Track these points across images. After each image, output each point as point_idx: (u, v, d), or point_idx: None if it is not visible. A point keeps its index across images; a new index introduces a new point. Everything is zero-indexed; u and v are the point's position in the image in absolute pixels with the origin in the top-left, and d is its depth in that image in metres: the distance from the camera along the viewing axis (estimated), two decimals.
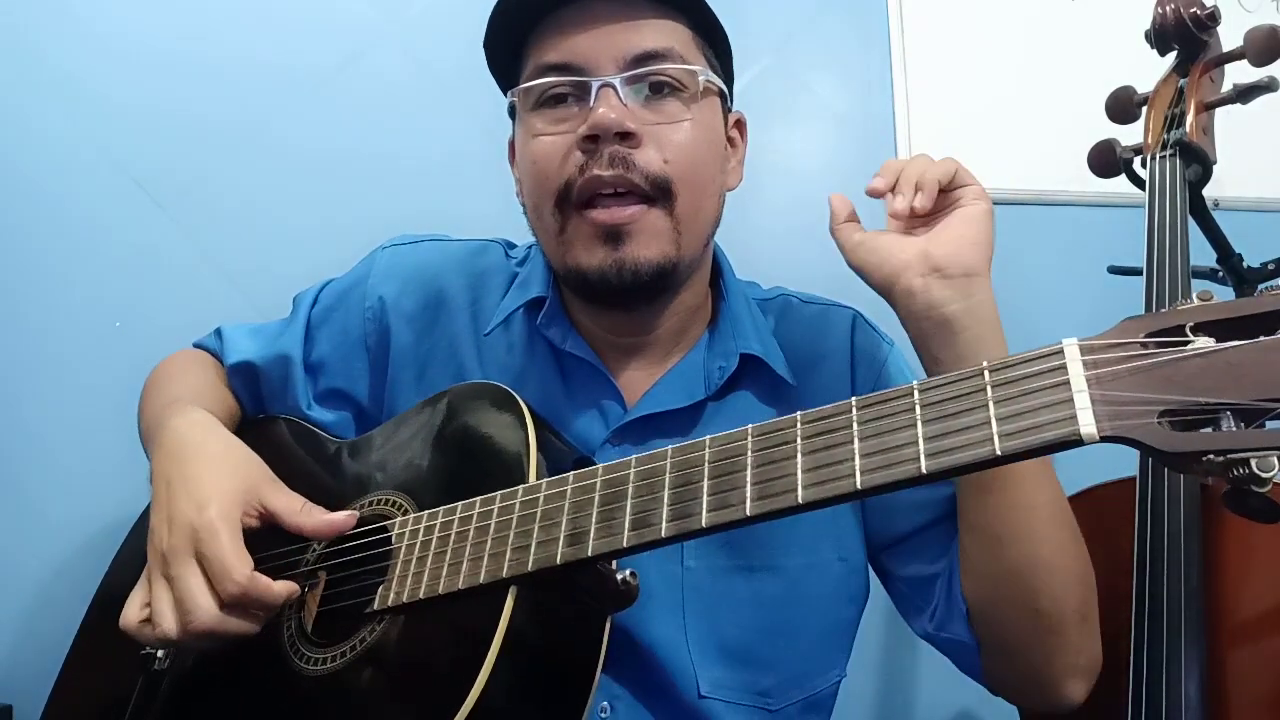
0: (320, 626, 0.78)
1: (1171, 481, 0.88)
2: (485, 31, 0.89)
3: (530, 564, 0.67)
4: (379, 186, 1.44)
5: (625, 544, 0.64)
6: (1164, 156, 1.08)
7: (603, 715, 0.84)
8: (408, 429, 0.87)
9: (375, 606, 0.74)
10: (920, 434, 0.57)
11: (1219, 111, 1.13)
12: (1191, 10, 1.13)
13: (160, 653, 0.84)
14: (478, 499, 0.74)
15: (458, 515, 0.74)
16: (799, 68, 1.66)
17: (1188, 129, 1.08)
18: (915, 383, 0.59)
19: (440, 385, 0.88)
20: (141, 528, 0.94)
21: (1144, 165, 1.10)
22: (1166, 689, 0.81)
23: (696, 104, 0.87)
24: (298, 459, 0.94)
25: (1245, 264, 1.14)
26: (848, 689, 0.94)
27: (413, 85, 1.48)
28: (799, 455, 0.60)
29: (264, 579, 0.74)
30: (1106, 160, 1.16)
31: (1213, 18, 1.13)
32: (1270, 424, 0.48)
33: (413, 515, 0.78)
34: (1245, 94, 1.10)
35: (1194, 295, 0.55)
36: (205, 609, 0.72)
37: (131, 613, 0.78)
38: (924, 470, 0.55)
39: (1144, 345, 0.53)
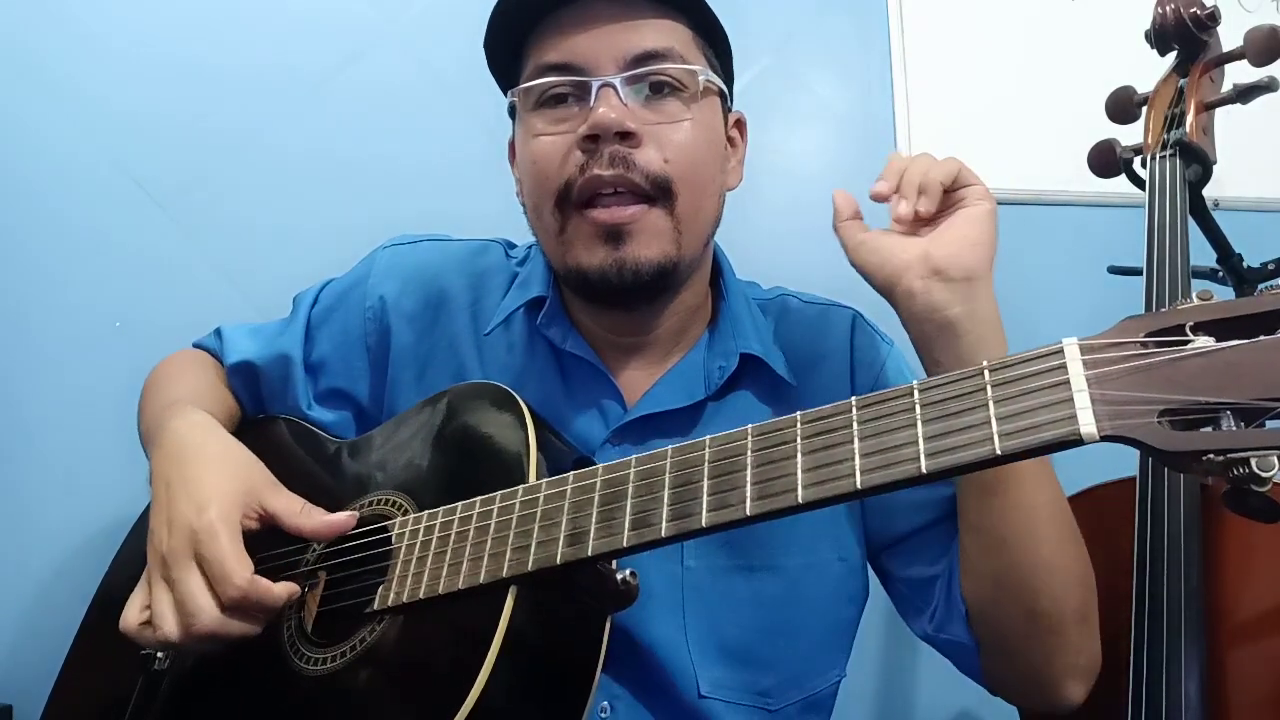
0: (320, 626, 0.78)
1: (1171, 481, 0.88)
2: (485, 32, 0.89)
3: (530, 564, 0.67)
4: (379, 186, 1.44)
5: (625, 544, 0.64)
6: (1164, 156, 1.08)
7: (603, 715, 0.84)
8: (408, 429, 0.87)
9: (375, 606, 0.74)
10: (920, 434, 0.57)
11: (1219, 111, 1.13)
12: (1191, 10, 1.13)
13: (160, 653, 0.84)
14: (478, 499, 0.74)
15: (458, 515, 0.74)
16: (799, 68, 1.66)
17: (1188, 129, 1.08)
18: (915, 382, 0.59)
19: (440, 385, 0.88)
20: (141, 528, 0.94)
21: (1144, 165, 1.10)
22: (1166, 689, 0.81)
23: (696, 104, 0.87)
24: (297, 459, 0.94)
25: (1245, 264, 1.14)
26: (847, 689, 0.94)
27: (413, 86, 1.48)
28: (799, 455, 0.60)
29: (264, 581, 0.74)
30: (1106, 160, 1.16)
31: (1213, 18, 1.13)
32: (1270, 423, 0.48)
33: (413, 515, 0.78)
34: (1245, 94, 1.10)
35: (1194, 295, 0.55)
36: (206, 612, 0.72)
37: (131, 615, 0.78)
38: (924, 470, 0.55)
39: (1144, 345, 0.53)
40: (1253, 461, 0.47)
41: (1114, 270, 1.21)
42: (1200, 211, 1.08)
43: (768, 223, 1.56)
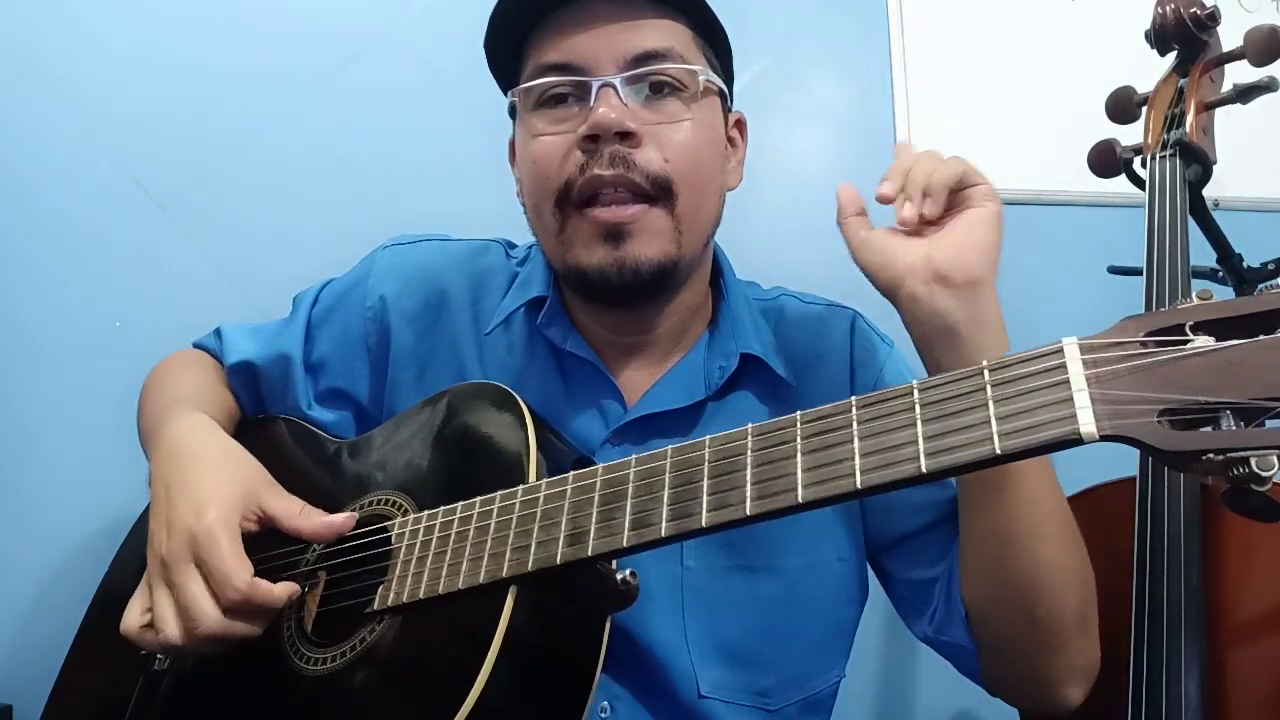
0: (320, 626, 0.78)
1: (1171, 481, 0.88)
2: (485, 31, 0.89)
3: (530, 564, 0.67)
4: (379, 187, 1.44)
5: (625, 544, 0.64)
6: (1164, 156, 1.08)
7: (603, 715, 0.84)
8: (407, 429, 0.87)
9: (375, 606, 0.74)
10: (920, 433, 0.57)
11: (1219, 111, 1.13)
12: (1191, 10, 1.13)
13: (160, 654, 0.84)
14: (477, 499, 0.74)
15: (457, 515, 0.74)
16: (799, 68, 1.66)
17: (1188, 129, 1.08)
18: (915, 382, 0.59)
19: (441, 385, 0.88)
20: (141, 528, 0.94)
21: (1144, 165, 1.10)
22: (1166, 689, 0.81)
23: (697, 104, 0.87)
24: (297, 459, 0.94)
25: (1245, 264, 1.14)
26: (847, 689, 0.94)
27: (413, 86, 1.48)
28: (799, 455, 0.60)
29: (265, 584, 0.74)
30: (1106, 160, 1.16)
31: (1213, 18, 1.13)
32: (1270, 423, 0.48)
33: (412, 515, 0.78)
34: (1245, 94, 1.10)
35: (1193, 295, 0.55)
36: (208, 615, 0.72)
37: (133, 618, 0.78)
38: (924, 469, 0.55)
39: (1143, 344, 0.53)
40: (1252, 461, 0.47)
41: (1114, 270, 1.21)
42: (1200, 211, 1.08)
43: (768, 223, 1.56)
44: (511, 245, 1.03)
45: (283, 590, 0.75)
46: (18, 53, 1.34)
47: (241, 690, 0.80)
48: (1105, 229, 1.63)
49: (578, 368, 0.93)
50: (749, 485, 0.61)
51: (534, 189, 0.88)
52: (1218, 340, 0.51)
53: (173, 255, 1.36)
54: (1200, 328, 0.52)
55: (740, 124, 0.99)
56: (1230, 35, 1.13)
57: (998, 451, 0.54)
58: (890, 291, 0.80)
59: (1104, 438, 0.51)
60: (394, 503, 0.81)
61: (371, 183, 1.43)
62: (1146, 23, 1.17)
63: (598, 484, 0.68)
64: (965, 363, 0.75)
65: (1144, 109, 1.15)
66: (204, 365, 1.04)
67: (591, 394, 0.92)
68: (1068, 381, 0.53)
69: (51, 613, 1.20)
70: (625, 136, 0.83)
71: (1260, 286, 1.13)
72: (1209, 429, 0.50)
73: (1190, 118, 1.09)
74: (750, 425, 0.64)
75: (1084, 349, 0.54)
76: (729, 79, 0.95)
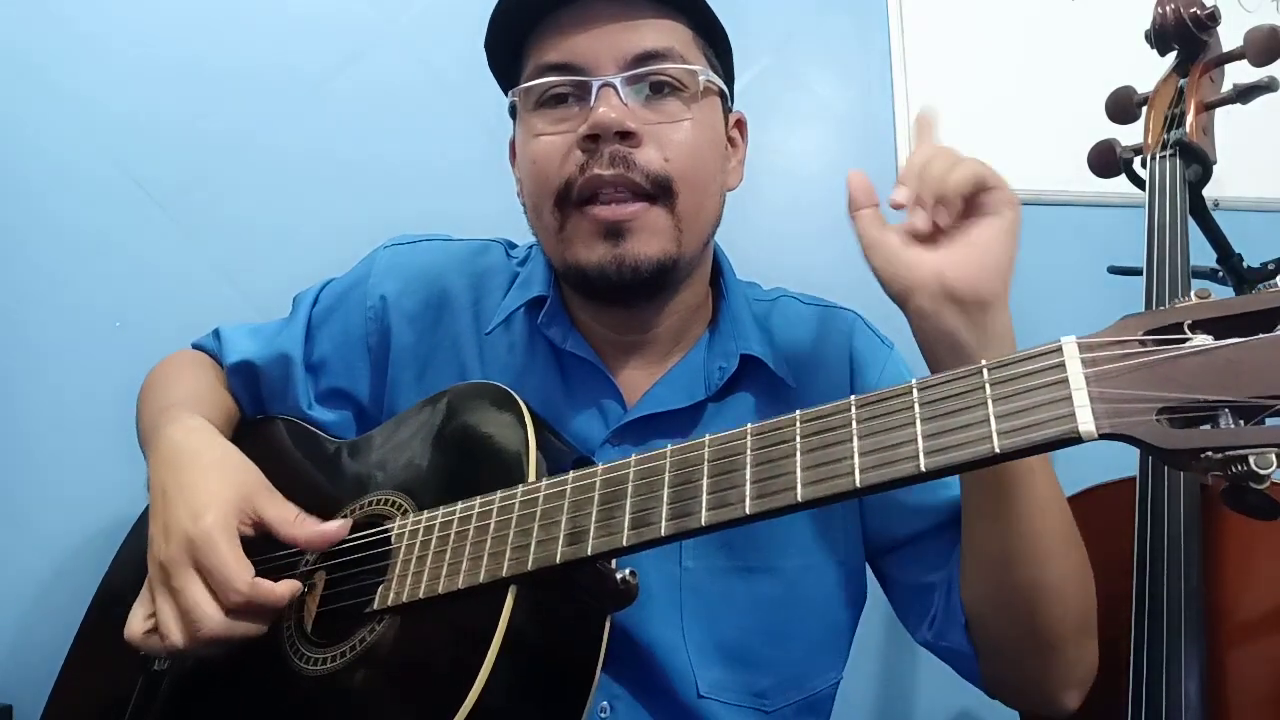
0: (320, 626, 0.78)
1: (1171, 481, 0.88)
2: (486, 31, 0.89)
3: (530, 563, 0.67)
4: (379, 187, 1.44)
5: (625, 543, 0.64)
6: (1164, 156, 1.07)
7: (602, 715, 0.84)
8: (407, 429, 0.87)
9: (375, 606, 0.74)
10: (919, 432, 0.57)
11: (1219, 111, 1.13)
12: (1191, 10, 1.13)
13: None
14: (477, 499, 0.74)
15: (457, 515, 0.74)
16: (799, 68, 1.66)
17: (1188, 129, 1.08)
18: (914, 381, 0.59)
19: (441, 384, 0.88)
20: (141, 528, 0.94)
21: (1144, 165, 1.10)
22: (1166, 689, 0.81)
23: (697, 104, 0.87)
24: (297, 460, 0.94)
25: (1245, 264, 1.14)
26: (846, 691, 0.94)
27: (413, 86, 1.48)
28: (798, 454, 0.60)
29: (266, 583, 0.74)
30: (1106, 160, 1.16)
31: (1213, 18, 1.13)
32: (1269, 421, 0.48)
33: (412, 515, 0.78)
34: (1245, 94, 1.10)
35: (1192, 293, 0.55)
36: (211, 619, 0.72)
37: (136, 625, 0.78)
38: (923, 468, 0.55)
39: (1142, 343, 0.53)
40: (1251, 459, 0.47)
41: (1114, 270, 1.21)
42: (1200, 211, 1.08)
43: (768, 223, 1.56)
44: (512, 245, 1.03)
45: (285, 589, 0.75)
46: (18, 53, 1.34)
47: (241, 690, 0.80)
48: (1105, 229, 1.63)
49: (578, 367, 0.93)
50: (748, 484, 0.61)
51: (534, 188, 0.88)
52: (1216, 339, 0.51)
53: (173, 255, 1.36)
54: (1199, 326, 0.52)
55: (740, 124, 0.99)
56: (1230, 35, 1.13)
57: (997, 450, 0.54)
58: (898, 301, 0.77)
59: (1103, 436, 0.51)
60: (394, 502, 0.81)
61: (371, 183, 1.43)
62: (1146, 23, 1.17)
63: (597, 483, 0.68)
64: None
65: (1144, 109, 1.15)
66: (202, 366, 1.04)
67: (591, 394, 0.92)
68: (1066, 380, 0.53)
69: (51, 613, 1.20)
70: (625, 136, 0.83)
71: (1259, 286, 1.13)
72: (1207, 427, 0.50)
73: (1190, 118, 1.09)
74: (749, 425, 0.64)
75: (1083, 348, 0.54)
76: (729, 79, 0.95)
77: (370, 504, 0.83)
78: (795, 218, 1.58)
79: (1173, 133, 1.09)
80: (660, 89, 0.86)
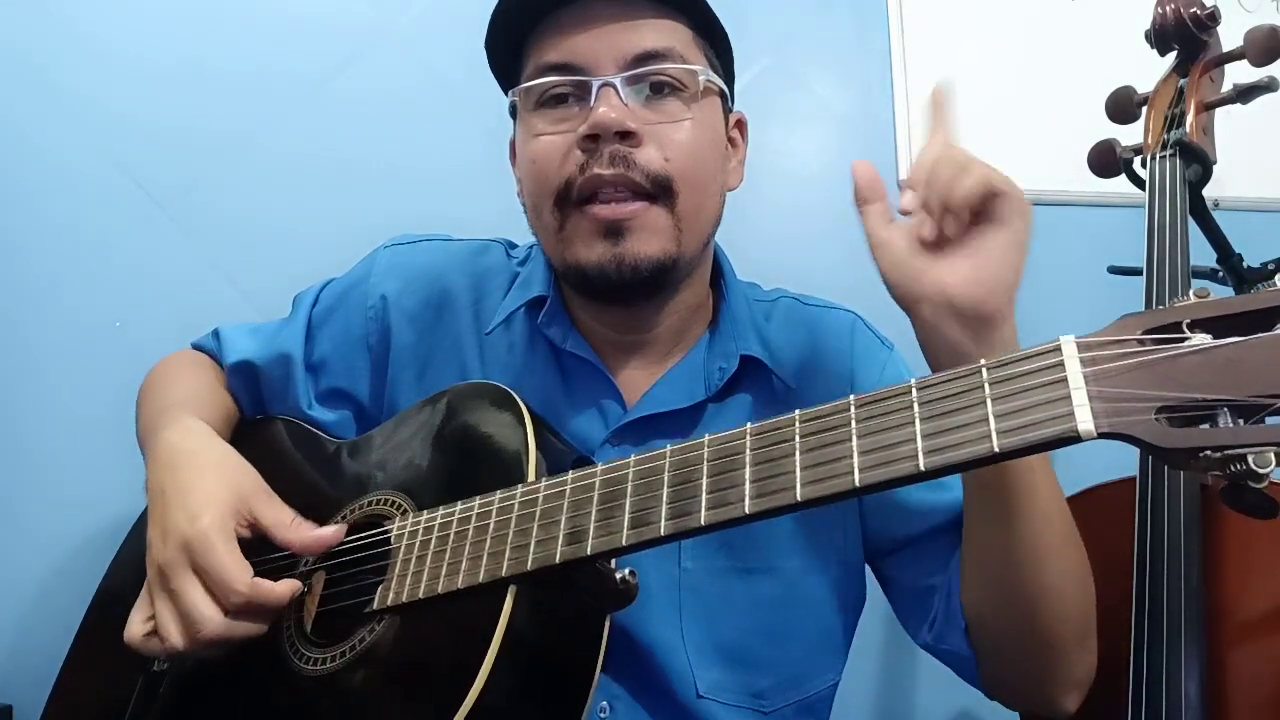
0: (319, 626, 0.78)
1: (1171, 481, 0.88)
2: (486, 32, 0.89)
3: (529, 563, 0.67)
4: (379, 187, 1.44)
5: (624, 543, 0.64)
6: (1164, 156, 1.07)
7: (602, 715, 0.84)
8: (407, 428, 0.87)
9: (374, 606, 0.74)
10: (918, 431, 0.57)
11: (1219, 111, 1.13)
12: (1191, 10, 1.13)
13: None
14: (477, 499, 0.74)
15: (456, 515, 0.74)
16: (799, 68, 1.66)
17: (1188, 129, 1.08)
18: (913, 380, 0.59)
19: (442, 384, 0.88)
20: (140, 528, 0.94)
21: (1144, 165, 1.10)
22: (1166, 689, 0.81)
23: (697, 103, 0.87)
24: (297, 460, 0.94)
25: (1245, 264, 1.14)
26: (846, 691, 0.94)
27: (412, 86, 1.48)
28: (797, 453, 0.60)
29: (265, 583, 0.74)
30: (1106, 160, 1.16)
31: (1213, 18, 1.13)
32: (1268, 420, 0.48)
33: (412, 515, 0.78)
34: (1245, 94, 1.10)
35: (1191, 293, 0.55)
36: (210, 619, 0.72)
37: (136, 627, 0.78)
38: (922, 467, 0.55)
39: (1141, 342, 0.53)
40: (1250, 458, 0.47)
41: (1114, 270, 1.21)
42: (1200, 211, 1.08)
43: (768, 223, 1.56)
44: (512, 245, 1.03)
45: (285, 588, 0.75)
46: (18, 53, 1.34)
47: (241, 690, 0.80)
48: (1105, 229, 1.63)
49: (578, 367, 0.93)
50: (748, 484, 0.61)
51: (534, 188, 0.88)
52: (1215, 338, 0.51)
53: (173, 255, 1.36)
54: (1198, 325, 0.52)
55: (741, 124, 0.99)
56: (1230, 35, 1.13)
57: (996, 449, 0.54)
58: (904, 307, 0.77)
59: (1102, 435, 0.51)
60: (393, 502, 0.81)
61: (371, 183, 1.43)
62: (1146, 23, 1.17)
63: (597, 483, 0.68)
64: None
65: (1144, 109, 1.15)
66: (202, 366, 1.04)
67: (591, 394, 0.92)
68: (1065, 379, 0.53)
69: (51, 613, 1.20)
70: (625, 136, 0.83)
71: (1258, 286, 1.13)
72: (1206, 426, 0.50)
73: (1190, 118, 1.09)
74: (749, 424, 0.64)
75: (1082, 347, 0.54)
76: (729, 79, 0.95)
77: (370, 504, 0.83)
78: (795, 218, 1.58)
79: (1173, 133, 1.09)
80: (660, 89, 0.86)
